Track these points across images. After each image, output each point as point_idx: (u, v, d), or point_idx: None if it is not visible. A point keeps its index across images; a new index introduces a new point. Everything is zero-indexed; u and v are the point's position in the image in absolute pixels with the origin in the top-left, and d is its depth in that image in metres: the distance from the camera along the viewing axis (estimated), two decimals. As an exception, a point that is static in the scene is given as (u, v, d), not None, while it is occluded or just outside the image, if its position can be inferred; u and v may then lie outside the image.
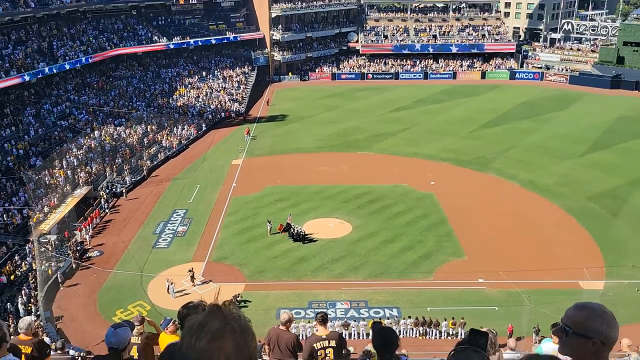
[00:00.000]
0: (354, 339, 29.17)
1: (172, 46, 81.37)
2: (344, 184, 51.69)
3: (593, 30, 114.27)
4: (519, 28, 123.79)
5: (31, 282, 36.99)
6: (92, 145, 56.24)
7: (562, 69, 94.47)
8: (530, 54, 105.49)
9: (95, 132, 59.00)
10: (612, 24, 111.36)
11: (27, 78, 59.66)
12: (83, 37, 72.83)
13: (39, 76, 61.94)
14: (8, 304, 35.36)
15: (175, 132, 64.41)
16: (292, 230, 42.00)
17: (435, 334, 31.49)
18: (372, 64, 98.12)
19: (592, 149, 59.91)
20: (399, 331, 30.85)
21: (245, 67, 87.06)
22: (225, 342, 1.68)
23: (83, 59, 68.87)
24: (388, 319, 32.72)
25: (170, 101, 73.51)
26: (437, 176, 52.91)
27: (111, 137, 58.96)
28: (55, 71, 64.68)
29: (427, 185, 50.76)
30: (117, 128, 61.51)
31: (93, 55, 70.70)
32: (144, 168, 55.70)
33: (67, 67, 66.55)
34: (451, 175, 53.46)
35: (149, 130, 62.77)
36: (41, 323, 29.90)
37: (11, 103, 59.59)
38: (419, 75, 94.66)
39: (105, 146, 56.86)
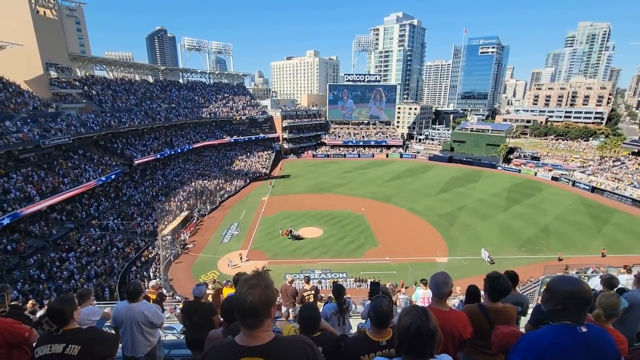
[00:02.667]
0: (325, 288, 29.05)
1: (232, 140, 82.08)
2: (319, 209, 52.04)
3: (440, 135, 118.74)
4: (404, 132, 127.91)
5: (156, 261, 36.22)
6: (191, 189, 55.93)
7: (425, 153, 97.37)
8: (409, 145, 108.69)
9: (193, 183, 58.75)
10: (448, 131, 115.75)
11: (158, 156, 59.54)
12: (188, 135, 73.27)
13: (164, 155, 61.84)
14: (145, 272, 34.53)
15: (233, 183, 64.41)
16: (292, 233, 42.02)
17: (364, 286, 31.57)
18: (332, 149, 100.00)
19: (440, 191, 61.23)
20: (346, 285, 30.83)
21: (270, 151, 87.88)
22: (256, 290, 2.11)
23: (188, 147, 69.12)
24: (341, 278, 32.74)
25: (231, 167, 73.69)
26: (365, 205, 53.53)
27: (201, 186, 58.66)
28: (172, 153, 64.70)
29: (360, 210, 51.33)
30: (204, 181, 61.31)
31: (193, 145, 70.99)
32: (217, 201, 55.42)
33: (179, 150, 66.64)
34: (372, 205, 54.10)
35: (220, 182, 62.70)
36: (161, 283, 29.25)
37: (149, 169, 59.17)
38: (356, 155, 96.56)
39: (197, 190, 56.60)
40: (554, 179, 68.75)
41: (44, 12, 52.27)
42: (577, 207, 52.48)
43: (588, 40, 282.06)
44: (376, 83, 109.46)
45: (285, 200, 56.78)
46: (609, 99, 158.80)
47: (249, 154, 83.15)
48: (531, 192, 59.96)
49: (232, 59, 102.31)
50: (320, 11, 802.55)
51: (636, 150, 66.68)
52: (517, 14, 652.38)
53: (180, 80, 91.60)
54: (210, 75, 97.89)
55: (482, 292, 4.52)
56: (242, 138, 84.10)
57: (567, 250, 37.58)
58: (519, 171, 76.21)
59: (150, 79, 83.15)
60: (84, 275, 30.75)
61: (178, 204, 49.52)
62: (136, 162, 53.79)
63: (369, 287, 6.10)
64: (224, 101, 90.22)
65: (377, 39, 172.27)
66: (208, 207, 52.61)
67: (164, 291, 21.38)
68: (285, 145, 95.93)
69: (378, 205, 54.27)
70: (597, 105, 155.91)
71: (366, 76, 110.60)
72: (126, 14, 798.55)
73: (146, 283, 26.45)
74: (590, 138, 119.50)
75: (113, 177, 47.11)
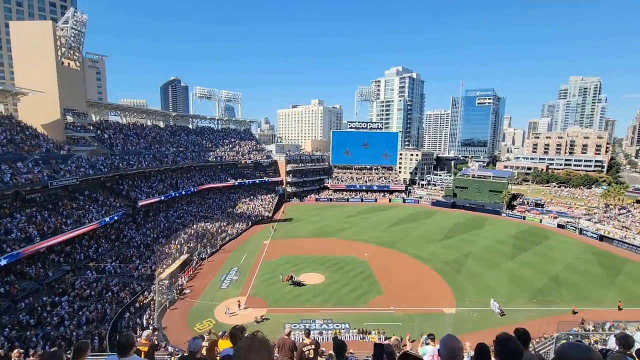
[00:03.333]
0: (326, 341, 27.30)
1: (237, 184, 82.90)
2: (321, 254, 50.84)
3: (442, 180, 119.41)
4: (406, 178, 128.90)
5: (151, 307, 34.69)
6: (192, 232, 55.29)
7: (428, 198, 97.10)
8: (411, 190, 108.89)
9: (195, 226, 58.23)
10: (450, 177, 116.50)
11: (162, 198, 59.79)
12: (193, 178, 74.21)
13: (169, 197, 62.08)
14: (138, 319, 32.87)
15: (236, 225, 63.77)
16: (293, 279, 40.58)
17: (367, 339, 29.64)
18: (335, 193, 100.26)
19: (445, 237, 60.07)
20: (349, 337, 29.07)
21: (273, 194, 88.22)
22: (255, 354, 2.06)
23: (192, 189, 69.65)
24: (343, 330, 30.91)
25: (234, 210, 73.44)
26: (369, 251, 52.32)
27: (202, 228, 58.06)
28: (177, 195, 65.01)
29: (363, 256, 50.02)
30: (206, 223, 60.80)
31: (197, 187, 71.61)
32: (218, 244, 54.43)
33: (183, 192, 67.06)
34: (376, 251, 52.89)
35: (222, 224, 62.11)
36: (155, 333, 27.73)
37: (152, 211, 59.08)
38: (358, 200, 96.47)
39: (199, 232, 55.89)
40: (560, 226, 67.47)
41: (68, 63, 56.07)
42: (586, 256, 50.80)
43: (580, 93, 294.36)
44: (378, 130, 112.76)
45: (287, 244, 55.69)
46: (607, 148, 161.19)
47: (252, 197, 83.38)
48: (538, 240, 58.50)
49: (240, 106, 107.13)
50: (325, 64, 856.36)
51: (640, 199, 66.16)
52: (511, 67, 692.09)
53: (190, 126, 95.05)
54: (219, 122, 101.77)
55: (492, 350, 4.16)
56: (246, 181, 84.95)
57: (581, 302, 35.62)
58: (524, 218, 75.12)
59: (161, 124, 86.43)
60: (74, 322, 29.29)
61: (178, 246, 48.66)
62: (140, 203, 53.91)
63: (373, 349, 5.67)
64: (230, 145, 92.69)
65: (378, 90, 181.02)
66: (208, 250, 51.56)
67: (157, 340, 20.19)
68: (289, 189, 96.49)
69: (382, 250, 52.95)
70: (596, 153, 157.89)
71: (368, 124, 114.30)
72: (144, 63, 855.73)
73: (139, 332, 25.09)
74: (593, 185, 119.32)
75: (116, 218, 46.96)
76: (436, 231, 63.93)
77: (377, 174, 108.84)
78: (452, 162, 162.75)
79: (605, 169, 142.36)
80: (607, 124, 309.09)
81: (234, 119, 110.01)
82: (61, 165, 44.95)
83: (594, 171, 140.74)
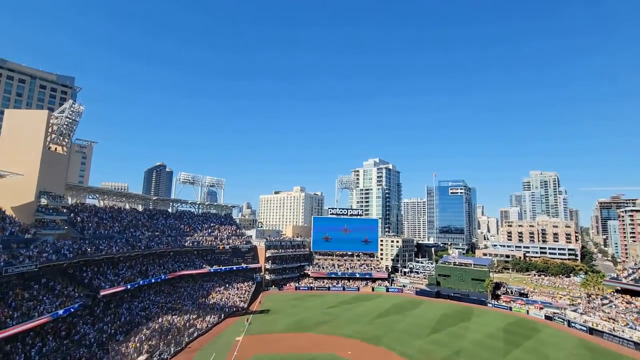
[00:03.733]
0: None
1: (212, 270, 78.16)
2: (301, 352, 45.63)
3: (424, 268, 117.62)
4: (388, 265, 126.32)
5: None
6: (156, 327, 49.42)
7: (411, 287, 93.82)
8: (394, 278, 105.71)
9: (160, 319, 52.41)
10: (432, 265, 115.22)
11: (128, 287, 54.83)
12: (166, 264, 69.76)
13: (135, 286, 57.03)
14: None
15: (206, 319, 57.78)
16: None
17: None
18: (315, 281, 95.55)
19: (433, 331, 56.05)
20: None
21: (250, 282, 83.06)
22: None
23: (163, 276, 64.79)
24: None
25: (206, 300, 67.51)
26: (352, 348, 47.50)
27: (168, 322, 52.18)
28: (145, 283, 59.95)
29: (347, 354, 45.18)
30: (173, 316, 54.92)
31: (169, 275, 66.80)
32: (184, 341, 48.26)
33: (153, 280, 62.01)
34: (360, 348, 48.05)
35: (190, 317, 56.20)
36: None
37: (115, 301, 53.52)
38: (340, 289, 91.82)
39: (164, 327, 49.98)
40: (547, 317, 65.31)
41: (55, 148, 57.03)
42: (580, 351, 48.04)
43: (542, 186, 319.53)
44: (358, 217, 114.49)
45: (262, 341, 50.10)
46: (576, 236, 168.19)
47: (227, 285, 77.95)
48: (529, 333, 55.61)
49: (223, 191, 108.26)
50: (308, 155, 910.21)
51: (619, 288, 66.45)
52: (479, 161, 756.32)
53: (170, 210, 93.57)
54: (200, 206, 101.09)
55: None
56: (222, 268, 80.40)
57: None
58: (510, 309, 72.66)
59: (140, 208, 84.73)
60: None
61: (138, 344, 42.78)
62: (102, 293, 49.01)
63: None
64: (209, 230, 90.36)
65: (357, 179, 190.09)
66: (172, 349, 45.37)
67: None
68: (267, 277, 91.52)
69: (367, 348, 48.25)
70: (567, 242, 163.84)
71: (349, 210, 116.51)
72: (132, 149, 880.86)
73: None
74: (571, 274, 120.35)
75: (72, 310, 41.91)
76: (423, 324, 60.03)
77: (358, 260, 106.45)
78: (433, 249, 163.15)
79: (579, 257, 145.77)
80: (571, 213, 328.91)
81: (215, 203, 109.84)
82: (22, 250, 41.72)
83: (568, 259, 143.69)
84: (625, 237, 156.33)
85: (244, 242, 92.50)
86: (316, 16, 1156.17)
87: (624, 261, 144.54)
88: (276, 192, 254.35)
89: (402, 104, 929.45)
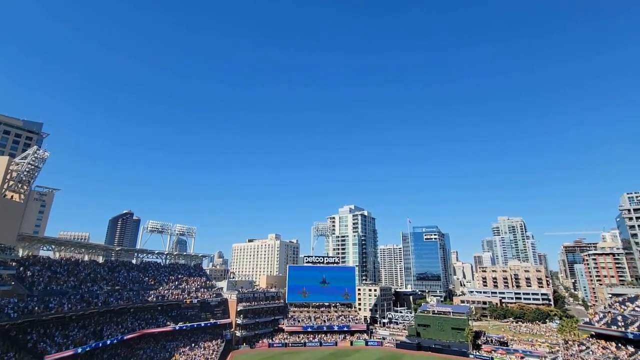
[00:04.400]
0: None
1: (177, 328, 71.58)
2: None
3: (403, 318, 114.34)
4: (366, 316, 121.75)
5: None
6: (108, 399, 43.25)
7: (391, 339, 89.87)
8: (373, 330, 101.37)
9: (113, 389, 46.14)
10: (411, 314, 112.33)
11: (79, 350, 48.62)
12: (125, 323, 63.23)
13: (87, 349, 50.65)
14: None
15: (167, 386, 51.51)
16: None
17: None
18: (290, 337, 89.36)
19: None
20: None
21: (219, 340, 76.43)
22: None
23: (120, 337, 58.33)
24: None
25: (169, 364, 60.80)
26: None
27: (123, 392, 45.95)
28: (99, 346, 53.44)
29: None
30: (129, 385, 48.61)
31: (127, 335, 60.26)
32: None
33: (108, 342, 55.48)
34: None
35: (150, 386, 49.91)
36: None
37: (61, 368, 46.93)
38: (317, 344, 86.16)
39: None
40: (529, 367, 63.88)
41: (12, 196, 53.33)
42: (565, 403, 46.52)
43: (510, 231, 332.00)
44: (335, 265, 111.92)
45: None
46: (547, 281, 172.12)
47: (193, 344, 71.13)
48: (512, 386, 53.66)
49: (193, 240, 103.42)
50: (281, 202, 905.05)
51: (593, 333, 66.95)
52: (450, 207, 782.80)
53: (134, 261, 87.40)
54: (168, 256, 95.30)
55: None
56: (188, 325, 73.90)
57: None
58: (492, 359, 70.64)
59: (101, 260, 78.66)
60: None
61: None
62: (47, 358, 43.01)
63: None
64: (176, 282, 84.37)
65: (333, 226, 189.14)
66: None
67: None
68: (238, 333, 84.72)
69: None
70: (539, 286, 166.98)
71: (325, 258, 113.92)
72: (96, 196, 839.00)
73: None
74: (547, 320, 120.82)
75: (5, 383, 36.14)
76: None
77: (336, 312, 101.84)
78: (411, 297, 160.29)
79: (552, 302, 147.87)
80: (540, 258, 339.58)
81: (185, 253, 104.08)
82: (-45, 311, 36.66)
83: (542, 304, 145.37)
84: (592, 280, 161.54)
85: (214, 295, 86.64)
86: (291, 75, 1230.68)
87: (594, 304, 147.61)
88: (250, 240, 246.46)
89: (377, 155, 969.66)
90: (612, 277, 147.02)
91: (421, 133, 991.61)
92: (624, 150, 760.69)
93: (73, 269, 65.06)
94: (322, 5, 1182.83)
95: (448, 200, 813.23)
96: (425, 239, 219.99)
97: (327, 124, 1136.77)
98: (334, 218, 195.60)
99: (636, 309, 64.78)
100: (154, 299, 73.48)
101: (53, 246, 69.84)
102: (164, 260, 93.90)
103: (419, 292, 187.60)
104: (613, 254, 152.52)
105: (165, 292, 77.99)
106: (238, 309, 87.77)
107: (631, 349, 58.20)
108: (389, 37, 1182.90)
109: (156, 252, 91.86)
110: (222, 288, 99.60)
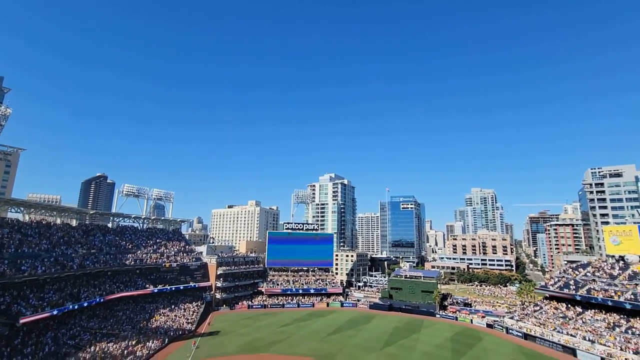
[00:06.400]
0: None
1: (156, 291, 72.34)
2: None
3: (377, 282, 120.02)
4: (343, 280, 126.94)
5: None
6: (88, 357, 43.99)
7: (365, 301, 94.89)
8: (349, 293, 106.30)
9: (92, 348, 46.79)
10: (385, 278, 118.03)
11: (55, 312, 48.42)
12: (102, 286, 63.09)
13: (64, 311, 50.51)
14: None
15: (147, 344, 52.69)
16: None
17: None
18: (270, 299, 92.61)
19: (385, 345, 56.73)
20: None
21: (199, 302, 78.08)
22: None
23: (98, 299, 58.36)
24: None
25: (149, 324, 61.87)
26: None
27: (102, 351, 46.74)
28: (76, 307, 53.36)
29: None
30: (108, 344, 49.37)
31: (105, 297, 60.40)
32: (121, 372, 43.45)
33: (85, 304, 55.44)
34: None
35: (129, 344, 50.90)
36: None
37: (38, 329, 46.95)
38: (295, 305, 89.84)
39: (97, 357, 44.61)
40: (488, 325, 69.73)
41: (-29, 153, 49.82)
42: (517, 357, 51.65)
43: (481, 202, 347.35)
44: (314, 231, 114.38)
45: (210, 366, 46.80)
46: (511, 248, 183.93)
47: (173, 306, 72.49)
48: (472, 342, 58.69)
49: (172, 205, 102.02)
50: (262, 170, 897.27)
51: (547, 295, 73.29)
52: (428, 176, 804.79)
53: (110, 225, 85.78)
54: (145, 221, 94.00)
55: None
56: (168, 288, 74.78)
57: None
58: (456, 318, 76.46)
59: (74, 223, 76.59)
60: None
61: (64, 379, 37.64)
62: (22, 321, 42.67)
63: None
64: (154, 247, 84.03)
65: (313, 194, 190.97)
66: (106, 381, 40.62)
67: None
68: (218, 295, 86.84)
69: (320, 365, 47.21)
70: (503, 253, 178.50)
71: (305, 225, 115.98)
72: (67, 157, 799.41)
73: None
74: (508, 284, 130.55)
75: (-21, 343, 35.80)
76: (376, 338, 60.62)
77: (314, 276, 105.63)
78: (386, 262, 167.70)
79: (514, 268, 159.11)
80: (507, 227, 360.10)
81: (162, 218, 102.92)
82: None
83: (505, 269, 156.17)
84: (551, 248, 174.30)
85: (194, 259, 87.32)
86: (276, 28, 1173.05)
87: (550, 270, 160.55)
88: (230, 206, 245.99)
89: (357, 127, 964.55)
90: (570, 245, 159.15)
91: (402, 107, 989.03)
92: (590, 125, 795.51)
93: (45, 232, 63.17)
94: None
95: (425, 170, 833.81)
96: (402, 208, 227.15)
97: (312, 97, 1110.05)
98: (314, 186, 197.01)
99: (587, 274, 70.93)
100: (132, 262, 73.21)
101: (22, 208, 67.03)
102: (141, 225, 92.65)
103: (394, 258, 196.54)
104: (572, 225, 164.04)
105: (144, 255, 77.74)
106: (218, 273, 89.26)
107: (579, 309, 64.33)
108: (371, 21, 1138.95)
109: (133, 216, 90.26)
110: (201, 253, 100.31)
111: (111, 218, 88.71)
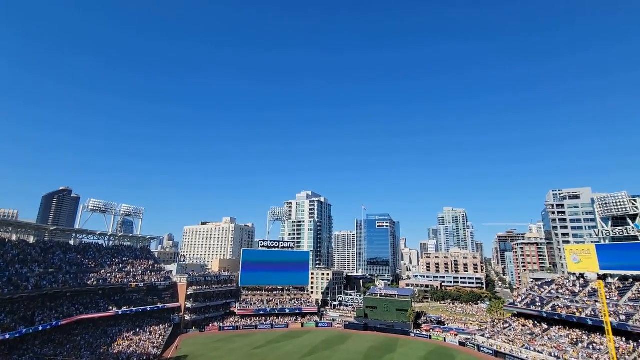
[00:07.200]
0: None
1: (119, 313, 67.91)
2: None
3: (353, 300, 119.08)
4: (318, 299, 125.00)
5: None
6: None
7: (340, 320, 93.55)
8: (324, 312, 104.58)
9: (45, 377, 42.87)
10: (360, 297, 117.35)
11: (7, 337, 44.22)
12: (60, 308, 58.51)
13: (16, 335, 46.26)
14: None
15: (107, 372, 48.96)
16: None
17: None
18: (242, 320, 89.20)
19: (360, 366, 56.03)
20: None
21: (166, 324, 73.99)
22: None
23: (55, 323, 53.93)
24: None
25: (110, 350, 57.60)
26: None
27: (56, 380, 42.93)
28: (29, 332, 49.03)
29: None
30: (64, 372, 45.47)
31: (63, 320, 55.94)
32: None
33: (40, 328, 51.05)
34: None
35: (88, 372, 47.09)
36: None
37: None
38: (269, 326, 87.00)
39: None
40: (461, 344, 70.55)
41: None
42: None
43: (453, 221, 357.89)
44: (290, 249, 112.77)
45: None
46: (482, 266, 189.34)
47: (138, 329, 68.14)
48: (446, 360, 59.02)
49: (141, 222, 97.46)
50: (240, 190, 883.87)
51: (515, 313, 75.50)
52: (403, 195, 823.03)
53: (71, 242, 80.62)
54: (111, 238, 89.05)
55: None
56: (133, 309, 70.41)
57: None
58: (430, 337, 76.80)
59: (32, 240, 71.38)
60: None
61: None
62: (-37, 348, 38.62)
63: None
64: (120, 265, 79.47)
65: (290, 211, 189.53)
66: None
67: None
68: (187, 317, 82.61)
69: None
70: (474, 271, 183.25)
71: (280, 243, 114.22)
72: (27, 169, 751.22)
73: None
74: (479, 302, 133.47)
75: None
76: (352, 359, 59.61)
77: (289, 295, 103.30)
78: (361, 280, 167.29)
79: (484, 285, 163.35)
80: (477, 246, 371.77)
81: (130, 235, 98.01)
82: None
83: (476, 287, 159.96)
84: (518, 266, 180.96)
85: (162, 279, 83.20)
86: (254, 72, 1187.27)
87: (518, 287, 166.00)
88: (203, 223, 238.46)
89: (335, 145, 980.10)
90: (535, 264, 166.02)
91: (374, 128, 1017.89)
92: (554, 149, 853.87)
93: (-3, 250, 58.36)
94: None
95: (400, 188, 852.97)
96: (378, 226, 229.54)
97: (292, 117, 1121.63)
98: (291, 203, 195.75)
99: (551, 291, 74.00)
100: (95, 282, 68.70)
101: (-28, 224, 61.78)
102: (106, 242, 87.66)
103: (369, 277, 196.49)
104: (537, 244, 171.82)
105: (108, 275, 73.24)
106: (188, 293, 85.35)
107: (545, 325, 66.60)
108: (345, 36, 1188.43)
109: (98, 233, 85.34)
110: (171, 271, 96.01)
111: (74, 235, 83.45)
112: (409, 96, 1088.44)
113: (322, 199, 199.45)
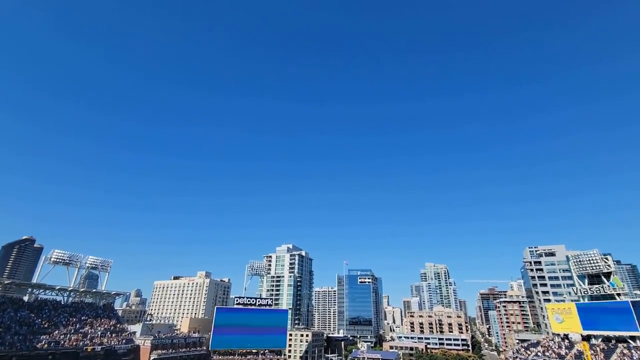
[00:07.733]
0: None
1: (70, 383, 59.52)
2: None
3: None
4: None
5: None
6: None
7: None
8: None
9: None
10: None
11: None
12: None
13: None
14: None
15: None
16: None
17: None
18: (210, 390, 79.67)
19: None
20: None
21: (122, 397, 64.89)
22: None
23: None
24: None
25: None
26: None
27: None
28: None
29: None
30: None
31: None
32: None
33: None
34: None
35: None
36: None
37: None
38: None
39: None
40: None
41: None
42: None
43: (435, 277, 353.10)
44: (267, 307, 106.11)
45: None
46: (466, 326, 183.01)
47: (88, 404, 59.32)
48: None
49: (107, 275, 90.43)
50: (216, 245, 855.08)
51: (504, 377, 71.59)
52: (385, 251, 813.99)
53: (26, 298, 73.08)
54: (71, 293, 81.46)
55: None
56: (86, 379, 61.97)
57: None
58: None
59: (-20, 295, 64.34)
60: None
61: None
62: None
63: None
64: (77, 325, 71.61)
65: (269, 265, 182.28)
66: None
67: None
68: (148, 388, 73.19)
69: None
70: (459, 331, 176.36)
71: (257, 300, 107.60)
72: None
73: None
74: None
75: None
76: None
77: (264, 359, 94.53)
78: (342, 342, 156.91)
79: (470, 347, 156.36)
80: (460, 304, 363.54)
81: (94, 290, 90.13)
82: None
83: (462, 349, 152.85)
84: (503, 326, 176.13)
85: (124, 341, 74.96)
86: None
87: (504, 350, 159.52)
88: (176, 278, 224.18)
89: (318, 200, 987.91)
90: (519, 323, 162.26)
91: (361, 181, 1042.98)
92: (527, 207, 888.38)
93: (-64, 307, 51.89)
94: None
95: (381, 246, 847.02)
96: (360, 282, 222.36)
97: (274, 169, 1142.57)
98: (270, 257, 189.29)
99: (538, 354, 71.51)
100: (45, 345, 61.01)
101: None
102: (65, 298, 79.96)
103: (351, 338, 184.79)
104: (519, 302, 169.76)
105: (61, 337, 65.49)
106: (152, 358, 76.77)
107: (535, 393, 63.03)
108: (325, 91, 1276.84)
109: (57, 287, 78.05)
110: (135, 333, 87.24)
111: (29, 289, 76.03)
112: (389, 150, 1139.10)
113: (303, 253, 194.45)
